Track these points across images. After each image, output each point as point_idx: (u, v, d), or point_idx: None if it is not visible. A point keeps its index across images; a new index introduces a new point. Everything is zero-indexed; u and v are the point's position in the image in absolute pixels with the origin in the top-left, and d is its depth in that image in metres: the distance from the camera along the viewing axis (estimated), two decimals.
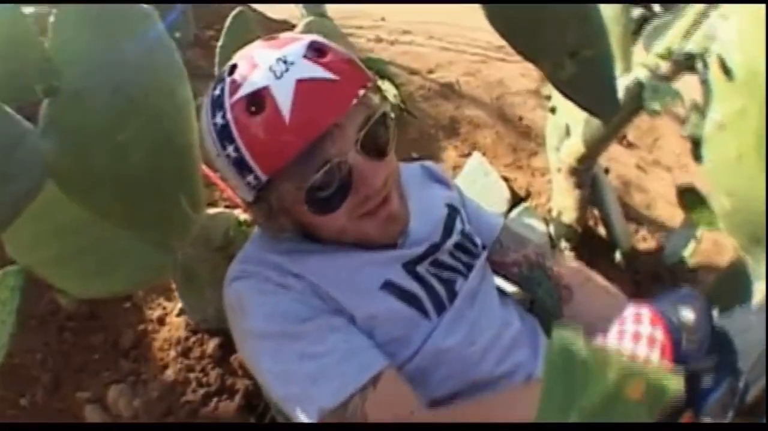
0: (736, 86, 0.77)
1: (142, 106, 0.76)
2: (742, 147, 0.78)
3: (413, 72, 2.39)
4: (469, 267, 0.77)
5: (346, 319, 0.65)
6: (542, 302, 0.84)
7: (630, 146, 2.19)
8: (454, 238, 0.78)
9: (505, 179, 1.88)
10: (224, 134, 0.62)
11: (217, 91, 0.64)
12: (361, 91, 0.62)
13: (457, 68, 2.47)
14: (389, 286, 0.68)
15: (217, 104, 0.63)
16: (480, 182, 1.76)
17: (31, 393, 1.09)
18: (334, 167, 0.62)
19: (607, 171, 1.62)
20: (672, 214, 1.86)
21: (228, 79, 0.63)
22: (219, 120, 0.62)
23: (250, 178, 0.63)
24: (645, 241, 1.76)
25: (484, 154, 2.05)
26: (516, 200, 1.75)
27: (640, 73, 0.96)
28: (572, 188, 1.38)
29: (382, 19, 3.15)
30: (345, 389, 0.60)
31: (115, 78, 0.75)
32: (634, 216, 1.85)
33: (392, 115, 0.68)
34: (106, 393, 1.09)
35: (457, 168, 1.97)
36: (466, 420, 0.60)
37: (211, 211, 0.96)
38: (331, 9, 3.23)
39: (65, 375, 1.13)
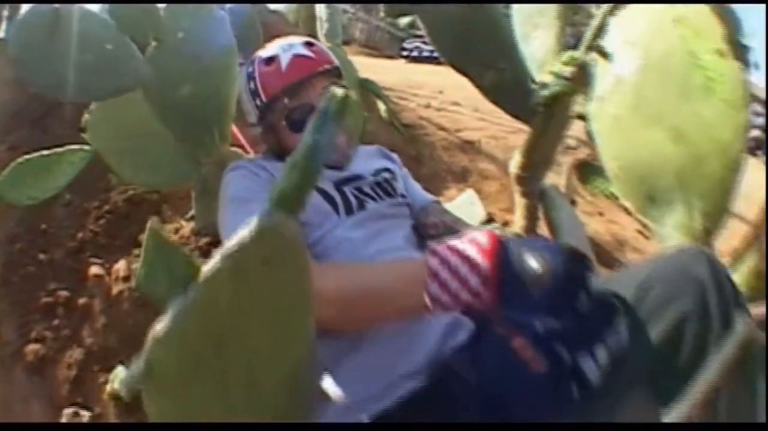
0: (611, 65, 1.01)
1: (201, 68, 1.26)
2: (617, 109, 0.97)
3: (442, 128, 2.76)
4: (383, 199, 1.05)
5: None
6: None
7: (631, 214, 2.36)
8: (377, 178, 1.08)
9: (497, 216, 2.12)
10: (249, 77, 1.04)
11: (254, 57, 1.08)
12: (326, 66, 1.02)
13: (484, 132, 2.82)
14: (318, 189, 0.99)
15: (250, 63, 1.07)
16: (463, 208, 2.01)
17: (51, 253, 1.45)
18: (304, 104, 0.99)
19: (573, 202, 1.80)
20: None
21: (260, 51, 1.08)
22: (249, 70, 1.05)
23: (258, 101, 1.02)
24: None
25: (485, 198, 2.31)
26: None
27: (546, 78, 1.22)
28: (519, 196, 1.60)
29: (440, 92, 3.62)
30: None
31: (192, 44, 1.26)
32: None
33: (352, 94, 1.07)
34: (113, 265, 1.43)
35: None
36: (343, 270, 0.84)
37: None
38: (399, 79, 3.77)
39: (88, 247, 1.48)
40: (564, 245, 0.67)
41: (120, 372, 1.23)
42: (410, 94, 3.43)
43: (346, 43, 7.01)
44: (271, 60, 1.03)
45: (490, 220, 2.03)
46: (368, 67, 4.27)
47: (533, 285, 0.65)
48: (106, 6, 1.27)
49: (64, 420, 1.19)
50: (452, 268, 0.68)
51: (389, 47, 6.46)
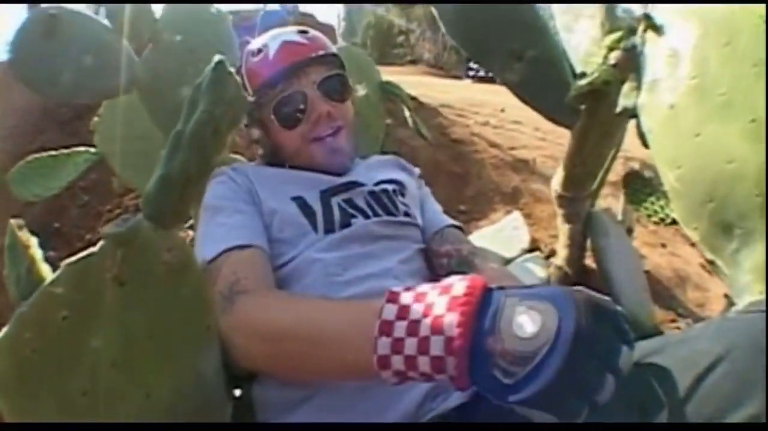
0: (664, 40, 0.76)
1: (198, 70, 1.20)
2: (673, 96, 0.72)
3: (494, 145, 2.53)
4: (378, 215, 0.86)
5: (256, 209, 0.82)
6: None
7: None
8: (376, 188, 0.89)
9: (544, 245, 1.86)
10: (237, 73, 0.89)
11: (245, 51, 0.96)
12: (320, 52, 0.89)
13: (542, 152, 2.55)
14: (298, 199, 0.84)
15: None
16: (506, 232, 1.77)
17: (60, 251, 1.39)
18: (294, 93, 0.87)
19: (630, 231, 1.51)
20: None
21: (251, 44, 0.95)
22: (238, 65, 0.93)
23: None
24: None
25: (534, 222, 2.05)
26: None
27: (588, 68, 0.98)
28: (562, 221, 1.36)
29: (502, 110, 3.37)
30: (219, 247, 0.75)
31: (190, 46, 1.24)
32: (683, 312, 1.66)
33: (349, 80, 0.93)
34: None
35: None
36: (296, 306, 0.67)
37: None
38: (460, 97, 3.57)
39: None
40: (585, 297, 0.45)
41: None
42: (470, 112, 3.22)
43: (413, 62, 6.88)
44: (259, 50, 0.90)
45: (534, 248, 1.76)
46: (431, 86, 4.12)
47: (521, 355, 0.43)
48: (102, 9, 1.24)
49: None
50: (412, 321, 0.49)
51: (456, 68, 6.28)
